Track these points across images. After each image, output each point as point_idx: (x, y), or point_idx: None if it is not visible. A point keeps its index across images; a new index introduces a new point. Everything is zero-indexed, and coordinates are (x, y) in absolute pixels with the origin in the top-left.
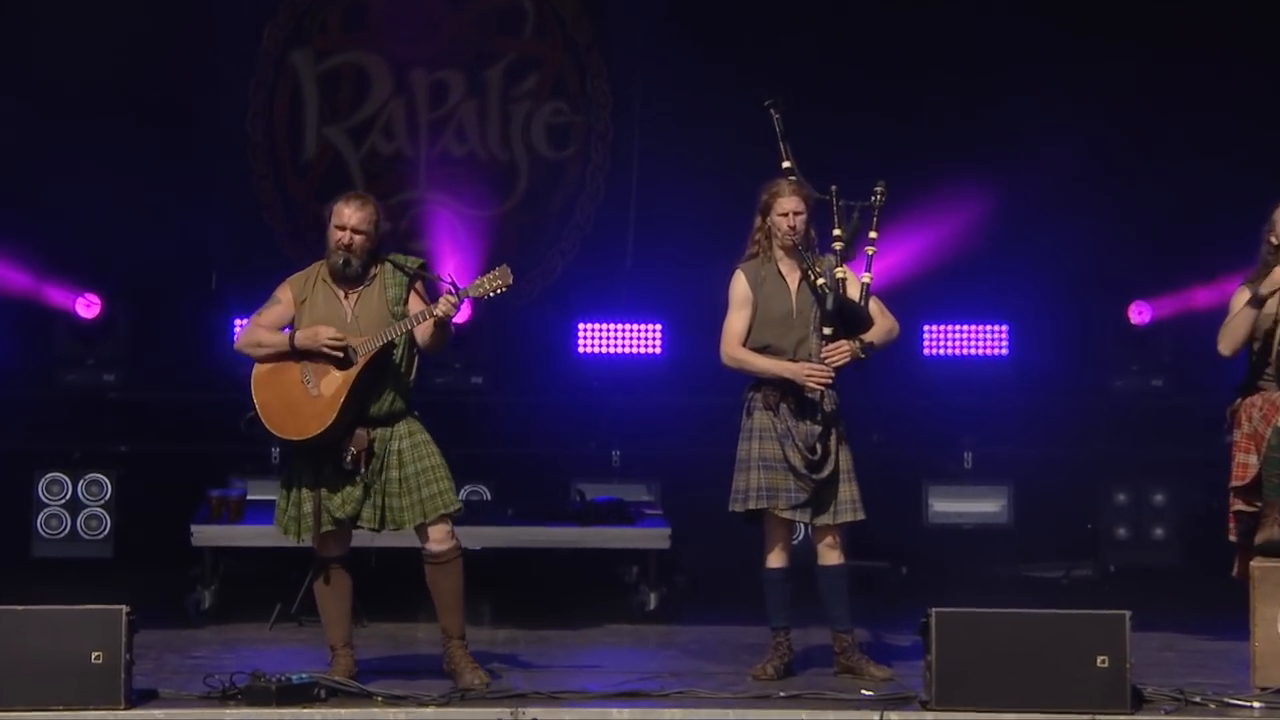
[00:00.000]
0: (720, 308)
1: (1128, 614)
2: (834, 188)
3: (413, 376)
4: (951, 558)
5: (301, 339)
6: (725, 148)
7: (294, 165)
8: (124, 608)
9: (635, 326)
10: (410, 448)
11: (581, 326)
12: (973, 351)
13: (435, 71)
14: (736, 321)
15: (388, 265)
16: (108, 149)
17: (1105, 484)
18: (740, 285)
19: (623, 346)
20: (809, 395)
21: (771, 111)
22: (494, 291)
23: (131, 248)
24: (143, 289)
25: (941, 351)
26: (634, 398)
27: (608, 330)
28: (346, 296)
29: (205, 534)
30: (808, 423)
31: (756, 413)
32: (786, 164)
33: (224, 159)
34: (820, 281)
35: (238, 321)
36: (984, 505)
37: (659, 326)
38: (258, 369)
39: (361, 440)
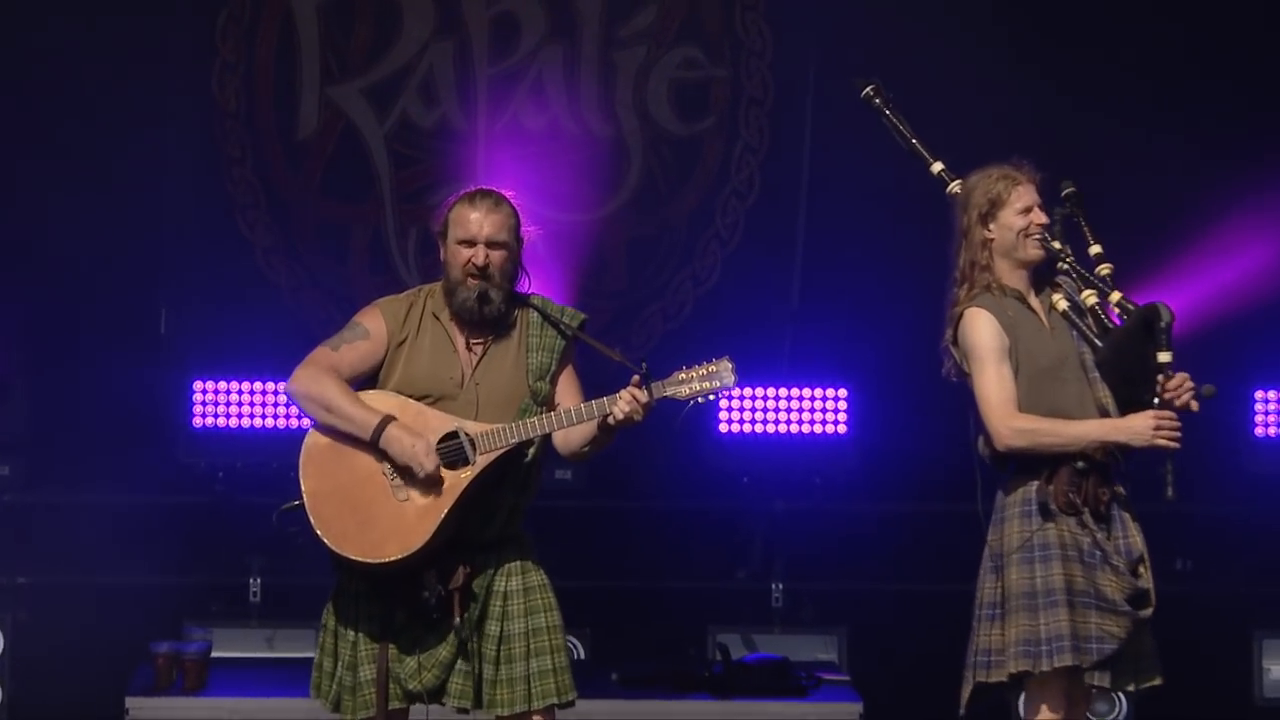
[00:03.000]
0: (941, 370)
1: None
2: (1071, 189)
3: (538, 484)
4: None
5: (394, 442)
6: (949, 121)
7: (285, 145)
8: None
9: (806, 393)
10: (521, 592)
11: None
12: None
13: (499, 1)
14: (1004, 379)
15: (533, 313)
16: None
17: None
18: (989, 329)
19: (787, 423)
20: (1110, 468)
21: (874, 99)
22: (706, 396)
23: (34, 272)
24: (53, 335)
25: None
26: (805, 500)
27: (764, 398)
28: (470, 347)
29: (147, 709)
30: (1123, 529)
31: (1049, 518)
32: (936, 166)
33: (178, 137)
34: (1091, 299)
35: (199, 385)
36: None
37: (843, 393)
38: (315, 438)
39: (457, 577)
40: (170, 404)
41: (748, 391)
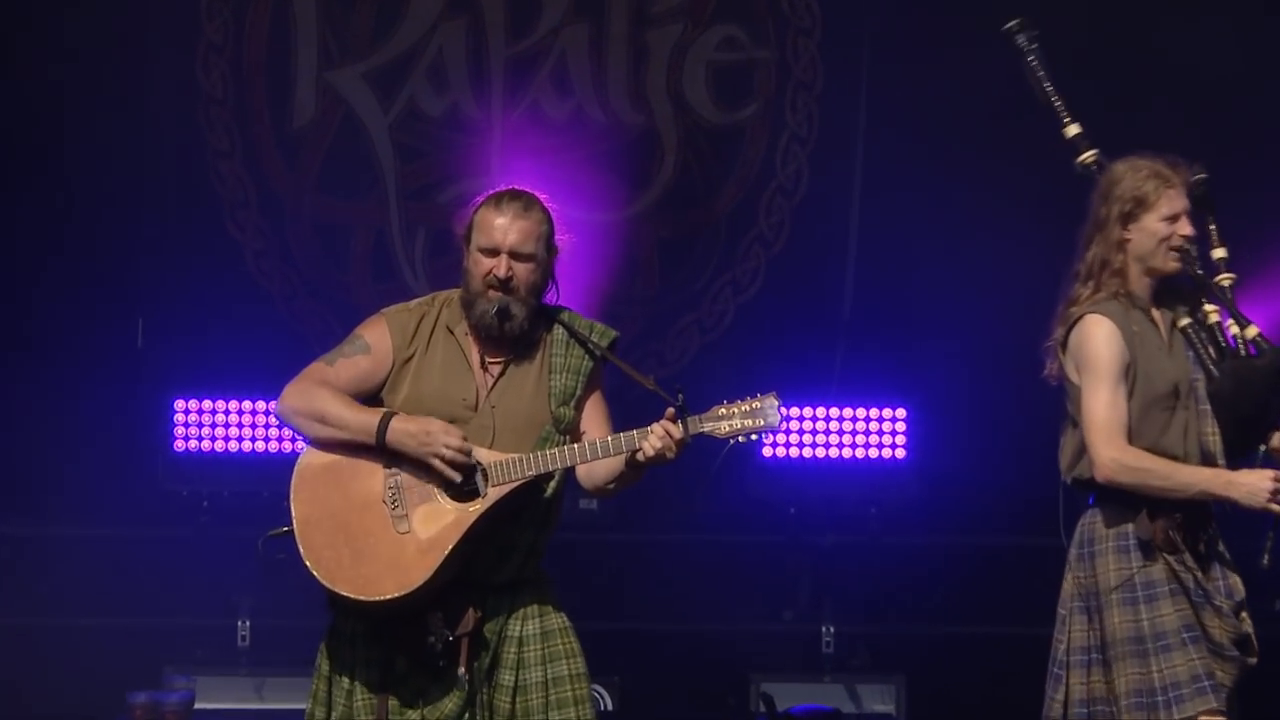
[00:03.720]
0: (1013, 388)
1: None
2: (1201, 178)
3: (557, 522)
4: None
5: (402, 434)
6: (1016, 113)
7: (278, 136)
8: None
9: (860, 413)
10: (539, 636)
11: (767, 432)
12: None
13: None
14: (1119, 403)
15: (561, 331)
16: None
17: None
18: (1112, 342)
19: (839, 447)
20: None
21: (1016, 36)
22: (748, 435)
23: None
24: (16, 349)
25: None
26: (859, 533)
27: (812, 419)
28: (486, 366)
29: None
30: (1221, 570)
31: (1150, 556)
32: (1072, 128)
33: (158, 127)
34: (1214, 316)
35: (181, 405)
36: None
37: (901, 413)
38: (309, 458)
39: (467, 622)
40: (149, 425)
41: (794, 412)
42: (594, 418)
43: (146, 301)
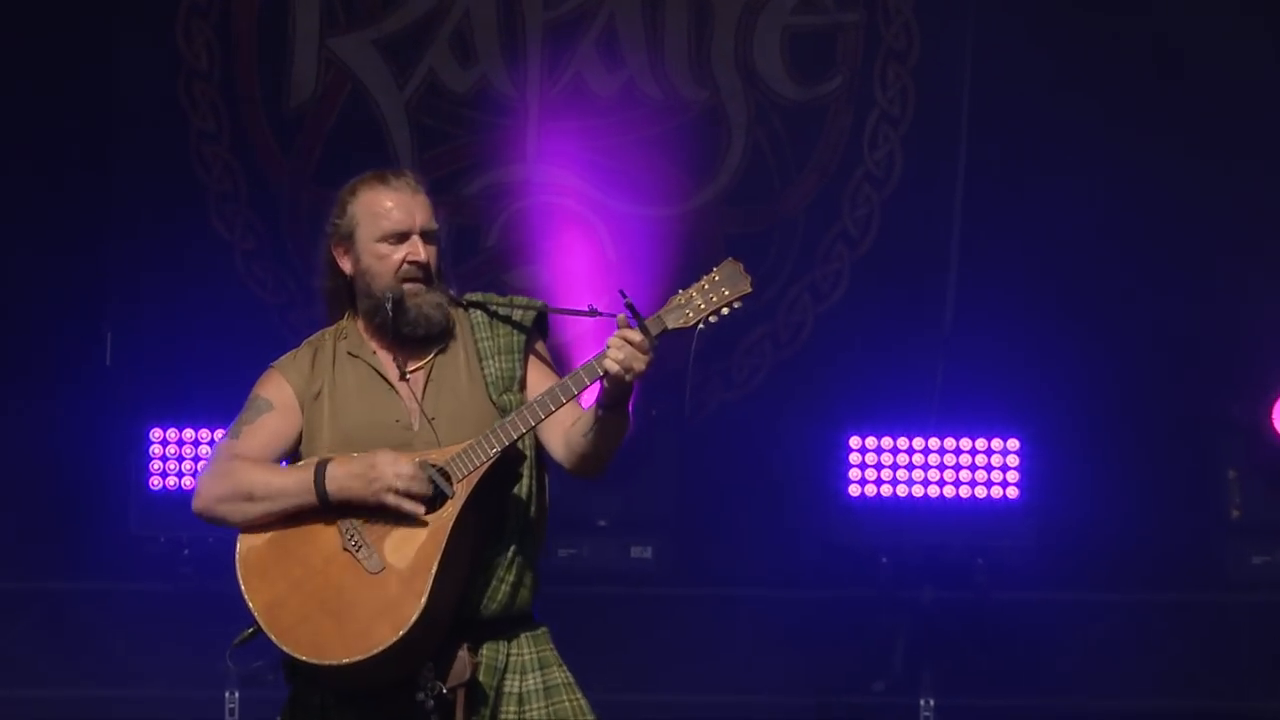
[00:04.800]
0: (1149, 416)
1: None
2: None
3: (544, 531)
4: None
5: (344, 479)
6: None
7: (272, 115)
8: None
9: (965, 444)
10: (542, 693)
11: (854, 442)
12: None
13: None
14: None
15: (477, 314)
16: None
17: None
18: None
19: (940, 485)
20: None
21: None
22: (719, 312)
23: None
24: None
25: None
26: (964, 589)
27: (908, 452)
28: (407, 377)
29: None
30: None
31: None
32: None
33: (132, 103)
34: None
35: (157, 434)
36: None
37: (1013, 445)
38: (247, 546)
39: (462, 669)
40: (119, 459)
41: (886, 443)
42: (541, 381)
43: (117, 311)
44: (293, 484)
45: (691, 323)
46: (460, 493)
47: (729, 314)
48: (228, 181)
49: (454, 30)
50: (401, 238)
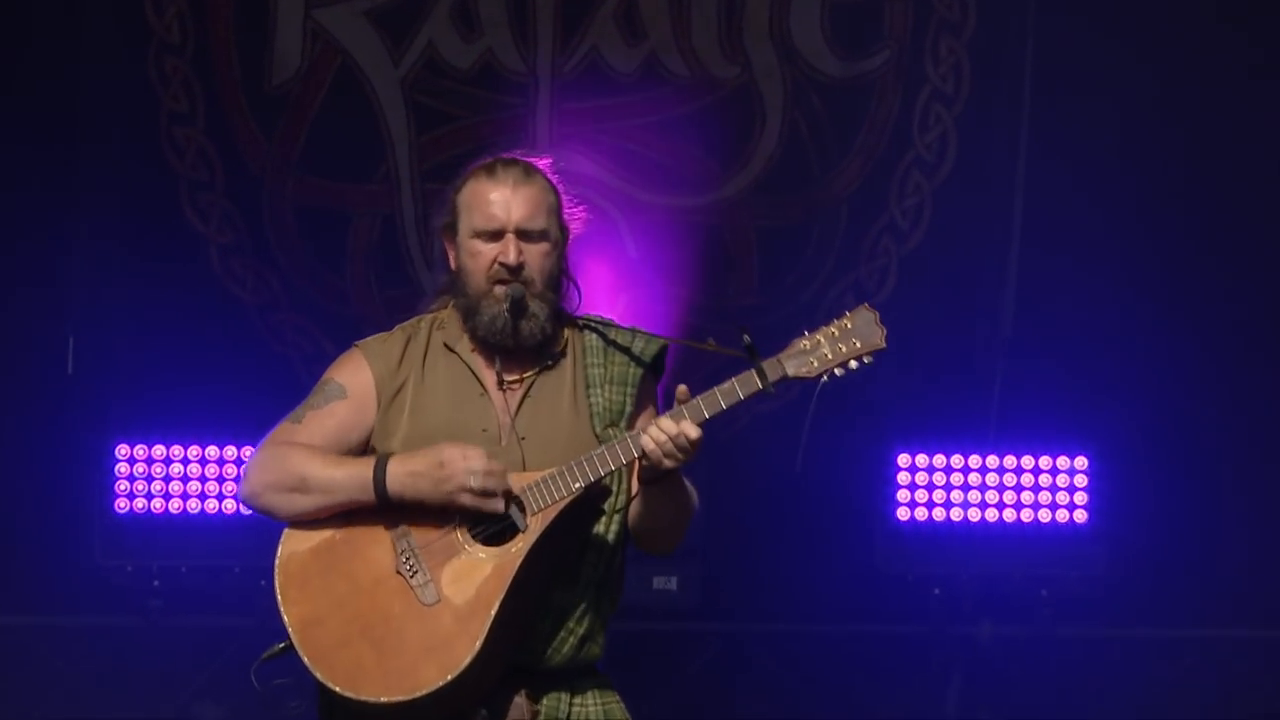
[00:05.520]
0: (1229, 431)
1: None
2: None
3: (622, 583)
4: None
5: (408, 476)
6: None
7: (251, 95)
8: None
9: (1026, 462)
10: None
11: (903, 460)
12: None
13: None
14: None
15: (592, 337)
16: None
17: None
18: None
19: (998, 508)
20: None
21: None
22: (846, 366)
23: None
24: None
25: None
26: (1026, 623)
27: (963, 470)
28: (505, 387)
29: None
30: None
31: None
32: None
33: (96, 82)
34: None
35: (124, 451)
36: None
37: (1081, 463)
38: (291, 546)
39: (519, 715)
40: (82, 479)
41: (938, 460)
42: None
43: (79, 314)
44: (350, 478)
45: (815, 373)
46: (534, 527)
47: (856, 369)
48: (203, 168)
49: (454, 2)
50: (494, 236)
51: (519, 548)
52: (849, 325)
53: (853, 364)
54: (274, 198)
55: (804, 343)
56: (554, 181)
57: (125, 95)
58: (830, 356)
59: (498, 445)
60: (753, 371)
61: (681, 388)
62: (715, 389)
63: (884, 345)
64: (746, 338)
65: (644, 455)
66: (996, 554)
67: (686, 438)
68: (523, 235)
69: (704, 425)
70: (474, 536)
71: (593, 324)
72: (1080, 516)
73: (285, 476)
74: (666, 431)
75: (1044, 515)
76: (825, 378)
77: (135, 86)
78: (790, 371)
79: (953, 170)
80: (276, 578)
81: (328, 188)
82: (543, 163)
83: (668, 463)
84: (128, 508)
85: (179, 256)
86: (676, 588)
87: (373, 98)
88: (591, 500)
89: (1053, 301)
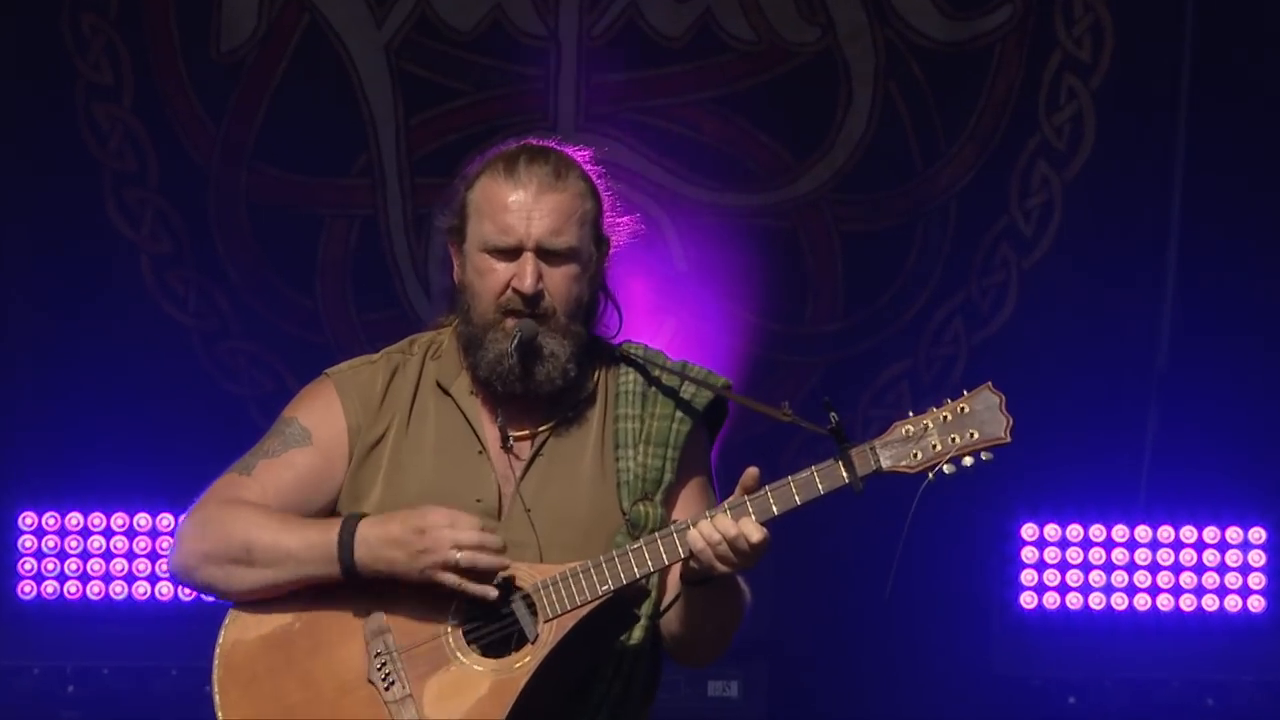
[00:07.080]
0: None
1: None
2: None
3: (653, 699)
4: None
5: (380, 545)
6: None
7: (194, 64)
8: None
9: (1188, 534)
10: None
11: (1029, 532)
12: None
13: None
14: None
15: (629, 377)
16: None
17: None
18: None
19: (1153, 593)
20: None
21: None
22: (958, 460)
23: None
24: None
25: None
26: None
27: (1105, 544)
28: (510, 445)
29: None
30: None
31: None
32: None
33: (3, 53)
34: None
35: (28, 520)
36: None
37: (1259, 535)
38: (236, 633)
39: None
40: None
41: (1074, 533)
42: (695, 500)
43: None
44: (308, 546)
45: (919, 468)
46: (546, 637)
47: (971, 466)
48: (131, 156)
49: None
50: (510, 254)
51: (526, 662)
52: (965, 409)
53: (967, 460)
54: (222, 195)
55: (906, 427)
56: (595, 181)
57: (30, 62)
58: (939, 448)
59: (496, 519)
60: (838, 461)
61: (750, 472)
62: (790, 479)
63: (1007, 439)
64: (834, 415)
65: (692, 556)
66: (1147, 652)
67: (748, 540)
68: (544, 254)
69: (771, 524)
70: (470, 642)
71: (634, 356)
72: (1256, 604)
73: (226, 544)
74: (723, 531)
75: (1210, 602)
76: (931, 475)
77: (43, 51)
78: (887, 464)
79: (1089, 160)
80: (215, 670)
81: (291, 182)
82: (581, 155)
83: (721, 567)
84: (34, 592)
85: (100, 269)
86: (738, 694)
87: (349, 68)
88: (622, 604)
89: (1219, 331)
